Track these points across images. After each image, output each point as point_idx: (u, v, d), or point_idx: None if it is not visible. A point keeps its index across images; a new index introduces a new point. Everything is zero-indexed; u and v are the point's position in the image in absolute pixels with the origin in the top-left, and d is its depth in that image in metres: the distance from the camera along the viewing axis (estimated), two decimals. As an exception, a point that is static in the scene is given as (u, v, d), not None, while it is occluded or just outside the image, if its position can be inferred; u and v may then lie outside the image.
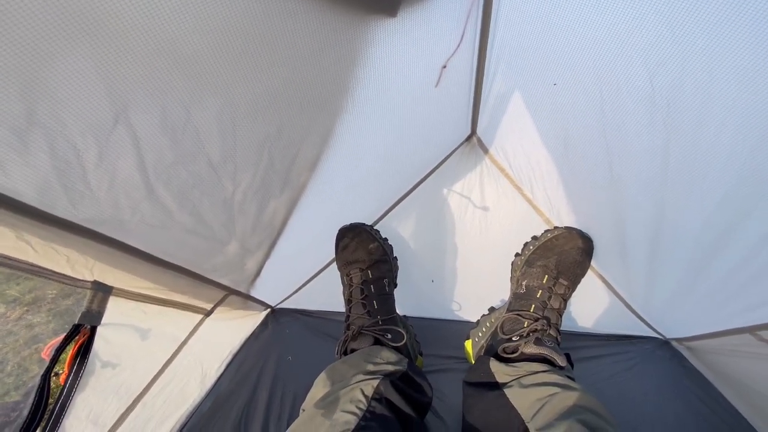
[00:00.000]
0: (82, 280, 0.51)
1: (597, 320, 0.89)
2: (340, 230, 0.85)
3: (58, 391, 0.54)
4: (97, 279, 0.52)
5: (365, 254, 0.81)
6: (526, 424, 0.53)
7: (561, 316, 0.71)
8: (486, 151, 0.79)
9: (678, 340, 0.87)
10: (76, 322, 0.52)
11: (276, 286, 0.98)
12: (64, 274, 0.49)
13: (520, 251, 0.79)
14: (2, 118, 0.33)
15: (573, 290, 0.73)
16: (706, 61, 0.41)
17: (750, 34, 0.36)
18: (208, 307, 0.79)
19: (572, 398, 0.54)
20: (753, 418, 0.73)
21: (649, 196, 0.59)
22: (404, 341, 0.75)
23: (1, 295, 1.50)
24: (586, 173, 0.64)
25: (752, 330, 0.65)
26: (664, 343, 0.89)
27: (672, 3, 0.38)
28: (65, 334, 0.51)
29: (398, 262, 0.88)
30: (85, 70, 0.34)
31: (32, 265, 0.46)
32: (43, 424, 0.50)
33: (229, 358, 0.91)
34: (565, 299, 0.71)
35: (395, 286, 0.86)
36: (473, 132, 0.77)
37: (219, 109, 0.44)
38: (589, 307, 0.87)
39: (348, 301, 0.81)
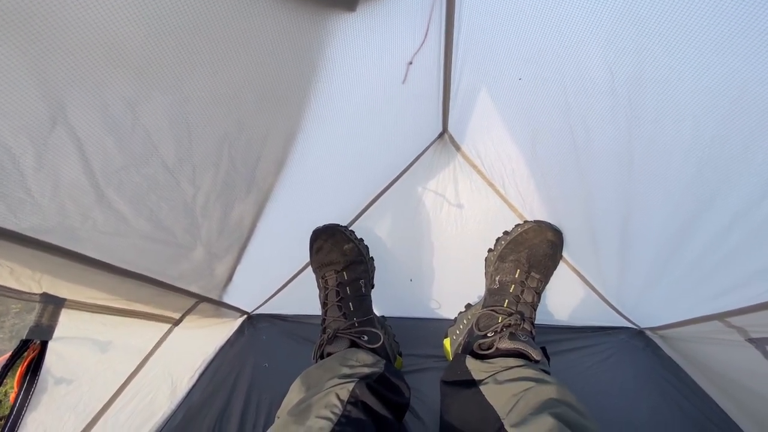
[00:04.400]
0: (29, 293, 0.48)
1: (572, 313, 0.90)
2: (313, 232, 0.83)
3: (8, 411, 0.50)
4: (47, 291, 0.49)
5: (340, 255, 0.79)
6: (502, 420, 0.52)
7: (535, 310, 0.71)
8: (458, 148, 0.78)
9: (652, 329, 0.89)
10: (24, 338, 0.48)
11: (251, 291, 0.95)
12: (7, 287, 0.46)
13: (492, 246, 0.79)
14: None
15: (546, 283, 0.73)
16: (662, 53, 0.41)
17: (703, 25, 0.37)
18: (176, 315, 0.76)
19: (546, 392, 0.53)
20: (725, 403, 0.75)
21: (616, 188, 0.59)
22: (381, 342, 0.73)
23: (-40, 312, 1.41)
24: (555, 168, 0.64)
25: (720, 317, 0.66)
26: (638, 333, 0.90)
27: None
28: (12, 351, 0.48)
29: (375, 262, 0.86)
30: (14, 66, 0.32)
31: (-29, 279, 0.43)
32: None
33: (203, 367, 0.88)
34: (538, 293, 0.71)
35: (372, 286, 0.84)
36: (445, 129, 0.77)
37: (169, 107, 0.42)
38: (563, 300, 0.88)
39: (324, 304, 0.79)
